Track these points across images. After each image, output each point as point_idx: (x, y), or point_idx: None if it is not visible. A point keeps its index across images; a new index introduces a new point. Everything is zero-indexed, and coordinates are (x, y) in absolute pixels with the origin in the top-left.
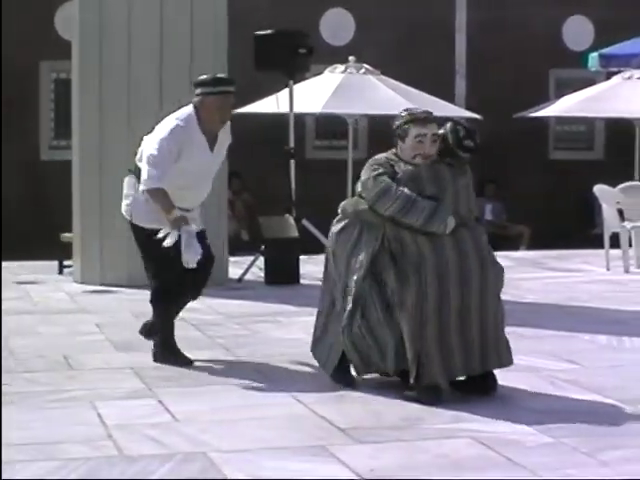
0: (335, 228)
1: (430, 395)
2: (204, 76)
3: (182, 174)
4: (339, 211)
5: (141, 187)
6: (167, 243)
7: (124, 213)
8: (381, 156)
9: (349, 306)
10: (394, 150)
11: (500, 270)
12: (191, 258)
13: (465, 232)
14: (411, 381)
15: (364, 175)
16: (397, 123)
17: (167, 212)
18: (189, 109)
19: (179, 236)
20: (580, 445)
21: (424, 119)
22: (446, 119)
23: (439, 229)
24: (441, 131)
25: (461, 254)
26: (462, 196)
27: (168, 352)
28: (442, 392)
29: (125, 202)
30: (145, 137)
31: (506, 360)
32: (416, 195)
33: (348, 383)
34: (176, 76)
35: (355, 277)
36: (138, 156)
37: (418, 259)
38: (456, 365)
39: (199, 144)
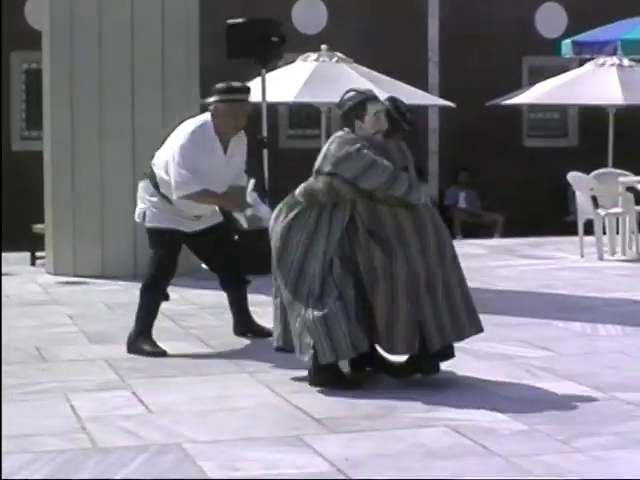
0: (289, 216)
1: (437, 361)
2: (220, 84)
3: (200, 180)
4: (288, 201)
5: (178, 194)
6: (245, 224)
7: (136, 217)
8: (348, 135)
9: (317, 291)
10: (347, 130)
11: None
12: (267, 216)
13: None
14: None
15: (338, 152)
16: (351, 104)
17: (224, 203)
18: (206, 116)
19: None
20: (554, 432)
21: (375, 97)
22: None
23: (418, 199)
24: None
25: (436, 227)
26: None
27: (143, 343)
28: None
29: (139, 206)
30: (168, 141)
31: (478, 327)
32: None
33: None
34: (148, 66)
35: (320, 262)
36: (155, 160)
37: (399, 231)
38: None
39: (215, 150)
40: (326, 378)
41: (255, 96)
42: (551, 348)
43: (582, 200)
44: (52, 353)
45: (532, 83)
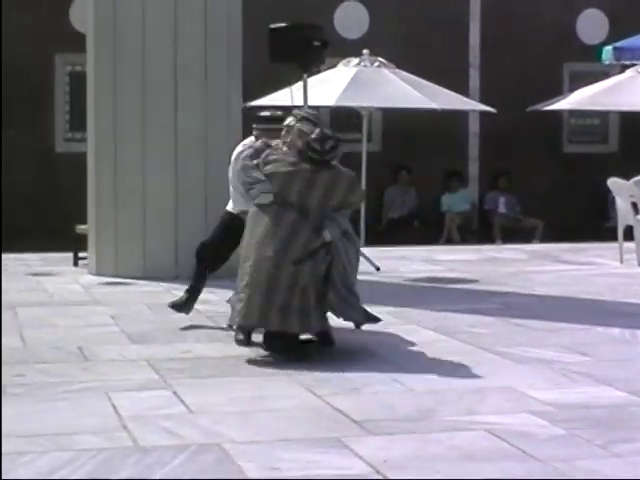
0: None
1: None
2: (263, 112)
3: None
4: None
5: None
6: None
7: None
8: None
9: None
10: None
11: None
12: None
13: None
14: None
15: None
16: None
17: None
18: (252, 138)
19: None
20: (593, 437)
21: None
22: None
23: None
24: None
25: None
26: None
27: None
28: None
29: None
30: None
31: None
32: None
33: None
34: (190, 68)
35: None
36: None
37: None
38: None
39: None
40: (279, 346)
41: (297, 100)
42: (590, 353)
43: (622, 206)
44: (93, 352)
45: (573, 89)
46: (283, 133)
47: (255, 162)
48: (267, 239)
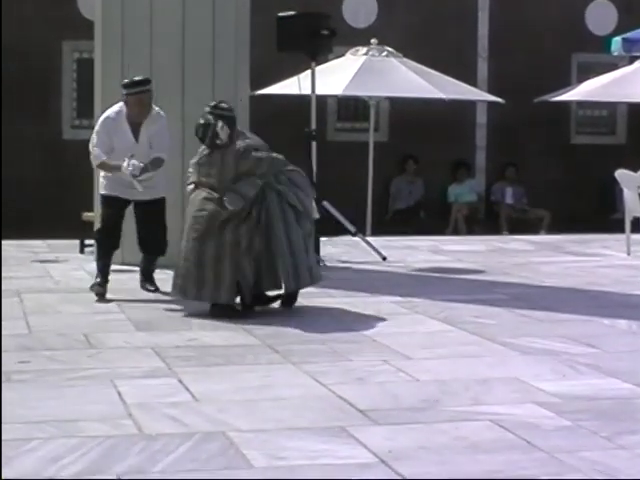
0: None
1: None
2: (126, 80)
3: (115, 155)
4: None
5: (93, 164)
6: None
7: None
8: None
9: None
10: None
11: None
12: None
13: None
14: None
15: None
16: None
17: (118, 169)
18: (120, 104)
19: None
20: (598, 429)
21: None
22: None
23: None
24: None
25: None
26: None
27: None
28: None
29: None
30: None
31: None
32: None
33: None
34: (198, 56)
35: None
36: None
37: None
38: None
39: (125, 133)
40: (221, 312)
41: (304, 89)
42: (596, 345)
43: (629, 198)
44: (99, 340)
45: (581, 80)
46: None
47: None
48: (192, 221)
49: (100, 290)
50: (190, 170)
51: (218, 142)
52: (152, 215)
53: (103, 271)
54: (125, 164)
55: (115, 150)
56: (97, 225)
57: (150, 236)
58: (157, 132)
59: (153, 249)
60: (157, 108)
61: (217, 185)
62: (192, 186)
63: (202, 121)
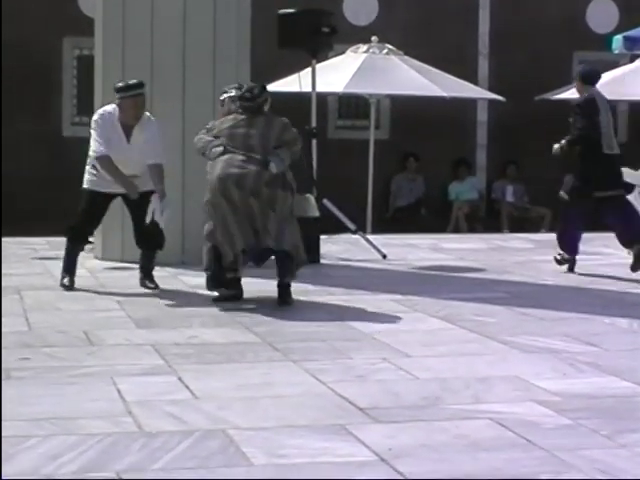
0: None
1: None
2: (120, 84)
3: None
4: None
5: (96, 156)
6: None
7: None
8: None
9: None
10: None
11: None
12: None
13: None
14: None
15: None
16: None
17: (118, 180)
18: (113, 106)
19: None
20: (599, 427)
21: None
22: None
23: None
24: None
25: None
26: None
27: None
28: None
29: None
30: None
31: None
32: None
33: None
34: (199, 54)
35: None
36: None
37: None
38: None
39: (117, 135)
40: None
41: (305, 86)
42: (596, 343)
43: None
44: (99, 337)
45: None
46: (219, 107)
47: (203, 131)
48: (219, 181)
49: (70, 287)
50: (205, 136)
51: (265, 109)
52: (145, 209)
53: (72, 271)
54: (158, 214)
55: (111, 149)
56: (74, 220)
57: (146, 231)
58: (150, 138)
59: (150, 244)
60: (147, 113)
61: (256, 147)
62: (221, 148)
63: (252, 85)
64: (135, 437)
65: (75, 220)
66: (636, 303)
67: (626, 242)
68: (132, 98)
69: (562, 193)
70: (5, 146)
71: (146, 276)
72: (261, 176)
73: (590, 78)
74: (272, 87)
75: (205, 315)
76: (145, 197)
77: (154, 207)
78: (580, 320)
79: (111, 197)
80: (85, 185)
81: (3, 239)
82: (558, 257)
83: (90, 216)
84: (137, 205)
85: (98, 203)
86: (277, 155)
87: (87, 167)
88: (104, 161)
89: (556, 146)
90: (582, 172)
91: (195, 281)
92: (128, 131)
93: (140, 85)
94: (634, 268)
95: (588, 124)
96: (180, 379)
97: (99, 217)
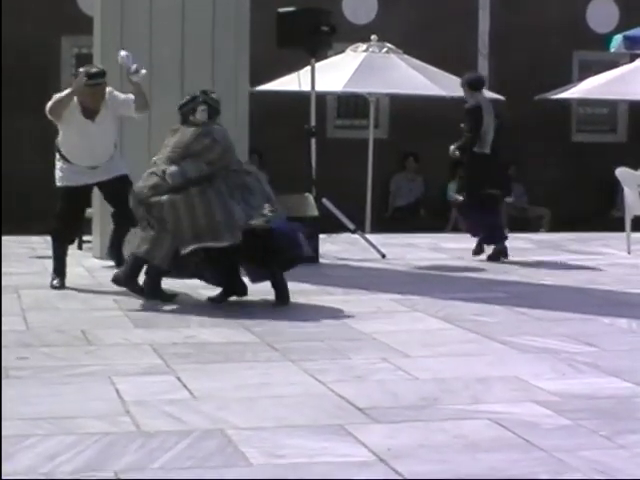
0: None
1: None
2: (83, 69)
3: (66, 134)
4: None
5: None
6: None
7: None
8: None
9: None
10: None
11: None
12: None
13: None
14: None
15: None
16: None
17: (72, 91)
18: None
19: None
20: (598, 428)
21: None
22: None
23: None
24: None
25: None
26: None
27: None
28: None
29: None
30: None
31: None
32: None
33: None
34: (198, 53)
35: None
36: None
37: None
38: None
39: (78, 108)
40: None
41: (304, 85)
42: (596, 344)
43: (630, 196)
44: (97, 336)
45: (582, 78)
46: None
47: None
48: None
49: (60, 288)
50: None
51: (191, 119)
52: (119, 193)
53: (61, 271)
54: (123, 53)
55: (66, 126)
56: (55, 220)
57: (121, 210)
58: (123, 100)
59: (124, 221)
60: (109, 88)
61: (168, 156)
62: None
63: (188, 96)
64: (133, 437)
65: (56, 220)
66: (636, 303)
67: (482, 241)
68: (91, 87)
69: (455, 196)
70: (4, 144)
71: (114, 249)
72: (158, 188)
73: (477, 84)
74: (271, 86)
75: (204, 315)
76: (118, 181)
77: (127, 66)
78: (579, 320)
79: (87, 190)
80: (58, 183)
81: (2, 237)
82: (491, 254)
83: (69, 213)
84: (113, 189)
85: (74, 198)
86: (177, 165)
87: (57, 165)
88: (50, 104)
89: (451, 148)
90: (468, 172)
91: (194, 281)
92: (92, 113)
93: (101, 74)
94: (476, 253)
95: (475, 128)
96: (178, 379)
97: (79, 213)
